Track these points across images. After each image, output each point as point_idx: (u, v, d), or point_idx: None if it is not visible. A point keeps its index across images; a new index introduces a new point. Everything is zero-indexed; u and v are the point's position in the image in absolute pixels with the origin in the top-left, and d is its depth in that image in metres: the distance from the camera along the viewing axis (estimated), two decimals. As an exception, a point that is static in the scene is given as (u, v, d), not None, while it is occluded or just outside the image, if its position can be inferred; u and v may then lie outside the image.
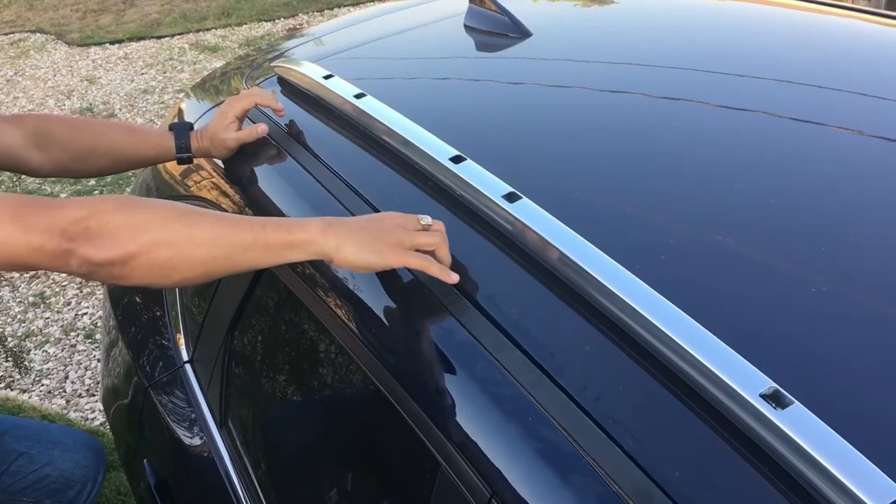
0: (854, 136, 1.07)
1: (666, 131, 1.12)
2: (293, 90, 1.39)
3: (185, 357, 1.47)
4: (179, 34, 6.45)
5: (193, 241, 0.82)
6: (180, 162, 1.29)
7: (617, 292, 0.76)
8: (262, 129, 1.25)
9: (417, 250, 0.85)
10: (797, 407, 0.62)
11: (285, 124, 1.30)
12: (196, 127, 1.32)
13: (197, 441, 1.38)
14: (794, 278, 0.82)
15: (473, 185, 0.96)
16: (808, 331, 0.76)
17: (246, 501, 1.23)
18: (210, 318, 1.37)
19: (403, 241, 0.84)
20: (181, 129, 1.28)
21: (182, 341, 1.49)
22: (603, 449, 0.68)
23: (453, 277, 0.84)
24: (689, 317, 0.73)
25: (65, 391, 2.82)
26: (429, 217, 0.89)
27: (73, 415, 2.69)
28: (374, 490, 1.03)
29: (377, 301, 0.94)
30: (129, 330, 1.69)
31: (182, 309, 1.52)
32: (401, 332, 0.90)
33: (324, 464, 1.15)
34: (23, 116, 1.21)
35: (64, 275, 3.36)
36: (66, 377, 2.88)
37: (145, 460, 1.48)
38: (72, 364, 2.94)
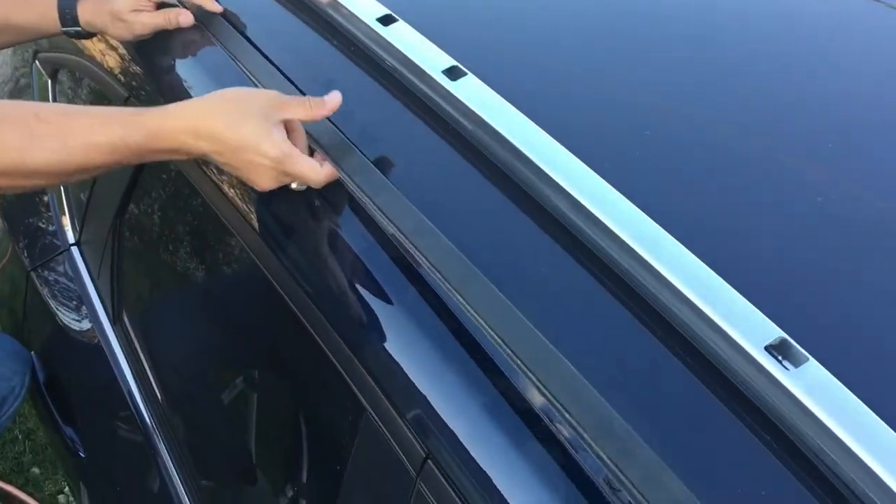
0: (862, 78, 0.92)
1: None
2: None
3: (71, 239, 1.29)
4: None
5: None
6: (71, 35, 1.01)
7: (582, 201, 0.62)
8: (184, 19, 0.97)
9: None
10: (812, 365, 0.50)
11: None
12: None
13: (88, 335, 1.22)
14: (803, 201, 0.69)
15: (406, 54, 0.77)
16: (829, 278, 0.63)
17: (142, 400, 1.10)
18: (95, 197, 1.19)
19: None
20: None
21: (67, 222, 1.31)
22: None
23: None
24: (672, 237, 0.59)
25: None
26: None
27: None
28: (276, 390, 0.93)
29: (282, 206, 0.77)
30: (5, 206, 1.49)
31: (65, 186, 1.32)
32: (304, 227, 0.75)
33: (224, 361, 1.02)
34: None
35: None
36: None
37: (32, 353, 1.32)
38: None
